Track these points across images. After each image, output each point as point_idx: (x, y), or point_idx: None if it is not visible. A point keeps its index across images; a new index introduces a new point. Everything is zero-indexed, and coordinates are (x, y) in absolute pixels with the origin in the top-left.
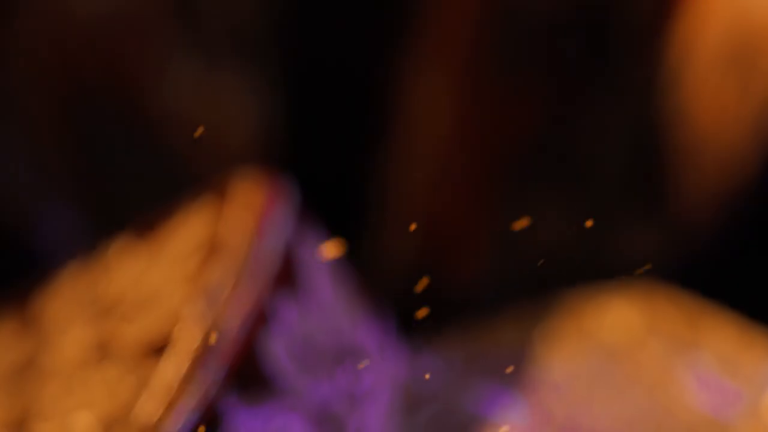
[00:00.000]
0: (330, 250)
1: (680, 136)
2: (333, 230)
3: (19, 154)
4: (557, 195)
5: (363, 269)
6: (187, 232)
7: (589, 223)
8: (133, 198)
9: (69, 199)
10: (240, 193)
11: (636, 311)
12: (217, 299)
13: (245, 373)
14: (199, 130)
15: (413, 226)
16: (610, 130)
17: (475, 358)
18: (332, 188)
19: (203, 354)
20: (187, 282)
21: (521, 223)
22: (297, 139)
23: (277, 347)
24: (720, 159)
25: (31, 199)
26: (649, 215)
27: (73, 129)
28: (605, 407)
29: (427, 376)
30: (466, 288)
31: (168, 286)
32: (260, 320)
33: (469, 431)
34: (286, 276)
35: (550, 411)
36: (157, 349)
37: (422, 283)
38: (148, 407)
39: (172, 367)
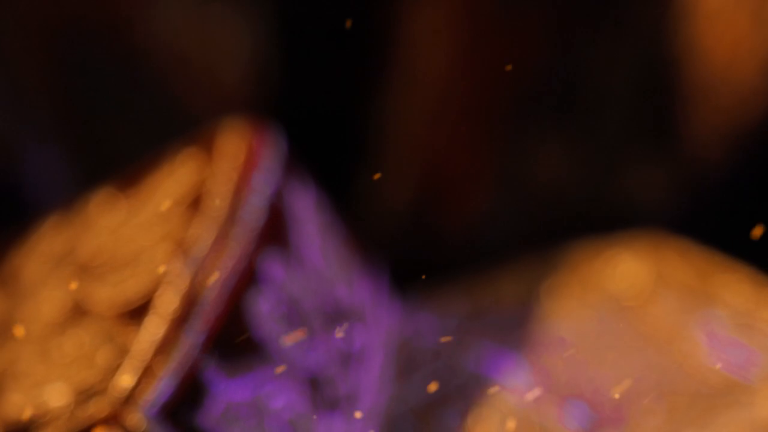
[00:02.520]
0: (321, 202)
1: (691, 72)
2: (327, 172)
3: (1, 95)
4: (561, 134)
5: (358, 214)
6: (170, 186)
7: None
8: (123, 139)
9: (56, 142)
10: (226, 146)
11: (645, 264)
12: (200, 258)
13: (229, 336)
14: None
15: (411, 167)
16: (617, 66)
17: (475, 316)
18: (327, 127)
19: (184, 317)
20: (169, 240)
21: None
22: (291, 75)
23: (264, 308)
24: (733, 95)
25: (15, 144)
26: (657, 155)
27: (59, 67)
28: (612, 367)
29: (425, 335)
30: (466, 233)
31: (149, 243)
32: (245, 280)
33: (469, 392)
34: (274, 232)
35: (552, 374)
36: (137, 311)
37: None
38: (126, 375)
39: (150, 331)
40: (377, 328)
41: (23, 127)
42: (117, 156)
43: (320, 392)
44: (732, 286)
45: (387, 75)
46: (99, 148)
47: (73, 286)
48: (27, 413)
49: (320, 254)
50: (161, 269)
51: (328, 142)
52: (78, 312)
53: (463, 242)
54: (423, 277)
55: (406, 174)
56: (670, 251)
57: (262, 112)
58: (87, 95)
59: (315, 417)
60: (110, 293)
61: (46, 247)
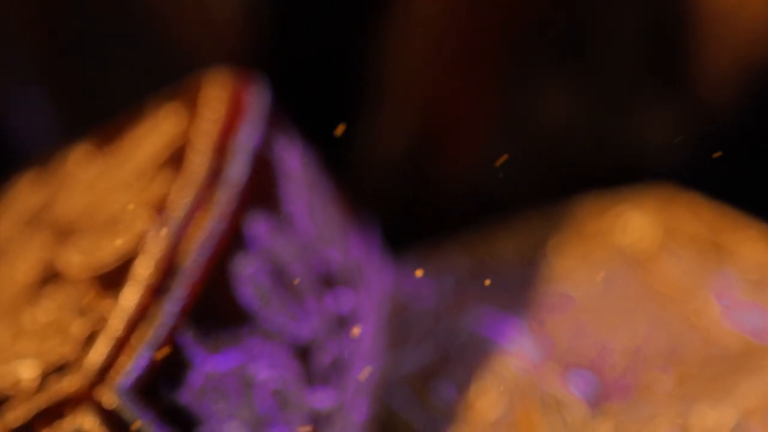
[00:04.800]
0: (310, 157)
1: (701, 9)
2: (320, 121)
3: None
4: (566, 77)
5: (352, 167)
6: (151, 142)
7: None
8: (112, 82)
9: (40, 86)
10: (209, 100)
11: (654, 221)
12: (179, 219)
13: (211, 304)
14: None
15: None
16: (625, 4)
17: (475, 276)
18: (321, 72)
19: (162, 283)
20: (148, 199)
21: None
22: (285, 16)
23: (249, 272)
24: (745, 33)
25: None
26: (667, 97)
27: (43, 7)
28: (618, 328)
29: (422, 298)
30: (465, 185)
31: (128, 203)
32: (228, 242)
33: (468, 360)
34: (259, 190)
35: (555, 340)
36: (114, 277)
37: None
38: (99, 347)
39: (127, 299)
40: (370, 291)
41: (5, 72)
42: (105, 99)
43: (309, 361)
44: (746, 243)
45: (384, 16)
46: (86, 92)
47: (48, 248)
48: None
49: (309, 213)
50: (140, 232)
51: (321, 88)
52: (52, 276)
53: (463, 196)
54: (420, 231)
55: (403, 122)
56: (681, 207)
57: (253, 53)
58: (73, 36)
59: (303, 387)
60: (86, 257)
61: (21, 204)
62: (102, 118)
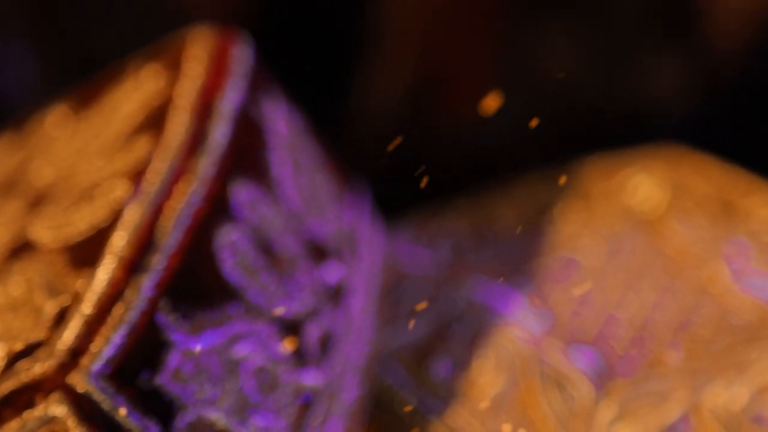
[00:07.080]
0: (297, 120)
1: None
2: (315, 70)
3: None
4: (569, 24)
5: (347, 121)
6: (131, 104)
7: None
8: (102, 42)
9: (29, 43)
10: (190, 61)
11: (662, 186)
12: (158, 188)
13: (192, 279)
14: None
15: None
16: None
17: (474, 244)
18: (318, 23)
19: (139, 258)
20: (126, 166)
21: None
22: None
23: (233, 244)
24: None
25: None
26: (674, 48)
27: None
28: (624, 297)
29: (416, 268)
30: (464, 136)
31: (105, 171)
32: (209, 212)
33: (466, 326)
34: (243, 156)
35: (558, 314)
36: (89, 250)
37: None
38: (73, 328)
39: (101, 277)
40: (362, 262)
41: None
42: (94, 60)
43: (296, 337)
44: (757, 205)
45: None
46: (75, 51)
47: (21, 216)
48: None
49: (297, 179)
50: (116, 200)
51: (317, 42)
52: (24, 247)
53: (461, 155)
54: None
55: (399, 76)
56: (690, 168)
57: (246, 7)
58: None
59: (291, 366)
60: (60, 226)
61: None
62: (91, 77)
